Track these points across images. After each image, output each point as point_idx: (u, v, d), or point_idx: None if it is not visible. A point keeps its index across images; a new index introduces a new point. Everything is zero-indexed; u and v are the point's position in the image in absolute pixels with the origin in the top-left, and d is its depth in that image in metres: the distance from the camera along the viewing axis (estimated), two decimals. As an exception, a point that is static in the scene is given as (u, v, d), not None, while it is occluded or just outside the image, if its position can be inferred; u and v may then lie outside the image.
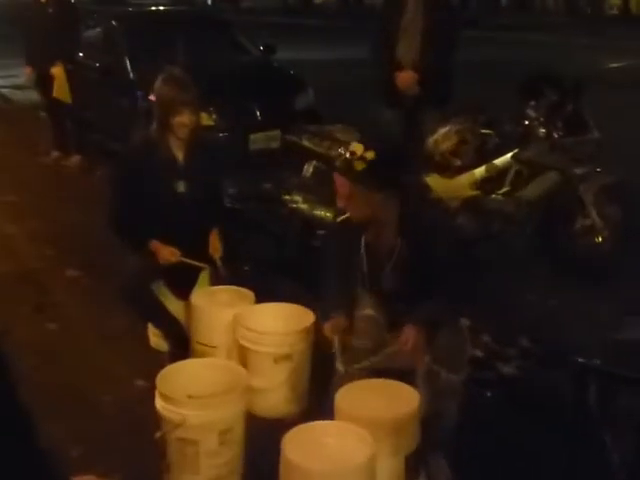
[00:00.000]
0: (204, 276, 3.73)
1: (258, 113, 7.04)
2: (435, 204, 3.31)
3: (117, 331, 4.05)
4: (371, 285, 3.06)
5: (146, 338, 3.80)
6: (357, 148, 2.74)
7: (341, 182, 2.80)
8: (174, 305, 3.67)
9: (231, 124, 6.76)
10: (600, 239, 4.73)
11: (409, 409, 2.61)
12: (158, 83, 3.61)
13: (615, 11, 27.18)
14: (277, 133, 6.85)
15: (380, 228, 2.94)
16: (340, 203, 2.87)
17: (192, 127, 3.60)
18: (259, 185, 5.54)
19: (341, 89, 8.63)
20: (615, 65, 13.87)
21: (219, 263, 3.69)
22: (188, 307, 3.59)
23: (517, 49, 14.16)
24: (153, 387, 2.84)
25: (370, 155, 2.73)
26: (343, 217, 2.94)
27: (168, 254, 3.56)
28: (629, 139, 7.21)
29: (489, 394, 3.50)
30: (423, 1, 5.23)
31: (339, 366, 2.92)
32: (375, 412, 2.57)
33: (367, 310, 3.03)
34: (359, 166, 2.72)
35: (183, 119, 3.56)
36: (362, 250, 3.00)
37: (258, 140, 6.95)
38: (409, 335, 2.79)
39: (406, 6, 5.27)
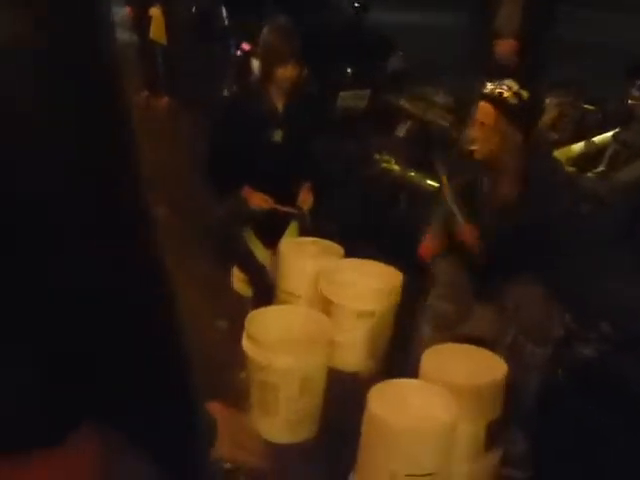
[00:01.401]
0: (293, 226, 3.75)
1: (349, 71, 6.98)
2: (561, 167, 3.24)
3: (201, 271, 4.11)
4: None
5: (230, 281, 3.85)
6: (513, 84, 2.76)
7: (487, 110, 2.80)
8: (261, 252, 3.69)
9: (322, 80, 6.73)
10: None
11: (495, 378, 2.59)
12: (265, 32, 3.60)
13: None
14: (366, 92, 6.79)
15: (499, 174, 2.91)
16: (475, 132, 2.86)
17: (294, 79, 3.58)
18: (347, 143, 5.51)
19: (435, 56, 8.49)
20: None
21: (307, 215, 3.70)
22: (275, 255, 3.62)
23: (616, 29, 13.67)
24: (233, 329, 2.88)
25: (525, 94, 2.75)
26: (472, 147, 2.90)
27: (260, 200, 3.58)
28: None
29: (561, 373, 3.46)
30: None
31: (424, 329, 2.91)
32: (460, 377, 2.56)
33: (455, 275, 3.00)
34: (513, 100, 2.73)
35: (288, 71, 3.54)
36: (477, 194, 2.96)
37: (347, 98, 6.89)
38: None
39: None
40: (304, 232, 3.73)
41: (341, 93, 6.87)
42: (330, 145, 5.46)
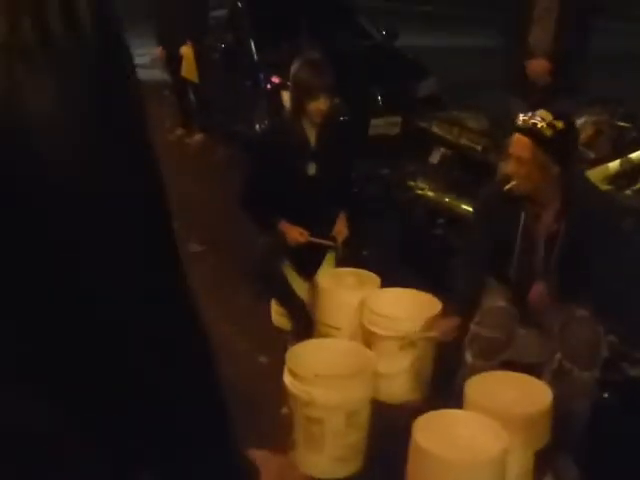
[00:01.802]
0: (330, 258, 3.76)
1: (379, 98, 7.00)
2: (601, 191, 3.19)
3: (240, 307, 4.13)
4: (519, 271, 2.98)
5: (269, 316, 3.86)
6: (546, 115, 2.72)
7: (523, 144, 2.74)
8: (299, 285, 3.70)
9: (352, 108, 6.76)
10: None
11: (541, 405, 2.55)
12: (296, 66, 3.62)
13: None
14: (398, 119, 6.81)
15: (541, 208, 2.87)
16: (511, 167, 2.81)
17: (326, 111, 3.60)
18: (381, 171, 5.51)
19: (465, 78, 8.48)
20: None
21: (341, 246, 3.71)
22: (313, 288, 3.62)
23: None
24: (274, 364, 2.88)
25: (560, 124, 2.70)
26: (510, 185, 2.85)
27: (297, 234, 3.60)
28: None
29: (609, 396, 3.38)
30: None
31: (468, 357, 2.88)
32: (507, 405, 2.53)
33: (499, 301, 2.97)
34: (548, 132, 2.69)
35: (319, 104, 3.56)
36: (520, 230, 2.91)
37: (379, 125, 6.91)
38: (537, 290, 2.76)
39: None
40: (340, 263, 3.74)
41: (373, 120, 6.89)
42: (364, 173, 5.48)
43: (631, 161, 4.45)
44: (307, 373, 2.77)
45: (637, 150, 4.45)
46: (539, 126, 2.71)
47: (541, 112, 2.76)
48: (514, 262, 2.94)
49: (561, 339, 2.81)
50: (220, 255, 4.85)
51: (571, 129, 2.83)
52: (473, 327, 2.90)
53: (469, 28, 15.43)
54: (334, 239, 3.72)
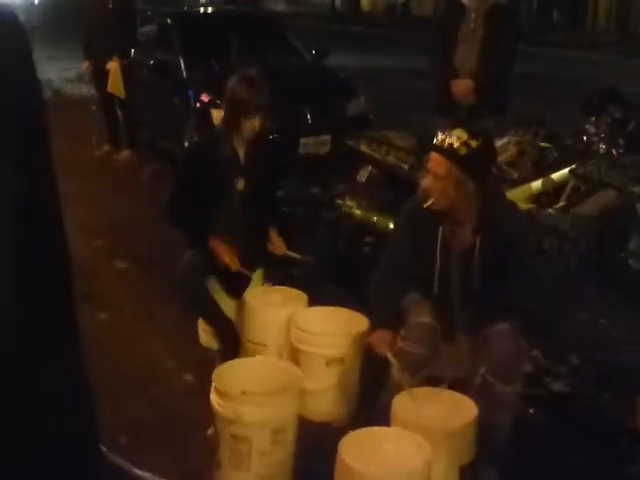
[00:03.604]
0: (258, 275, 3.75)
1: (309, 117, 7.05)
2: (518, 208, 3.28)
3: (167, 324, 4.09)
4: (440, 285, 3.03)
5: (196, 333, 3.82)
6: (462, 134, 2.81)
7: (439, 161, 2.84)
8: (226, 303, 3.68)
9: (282, 126, 6.79)
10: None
11: (466, 420, 2.60)
12: (233, 82, 3.62)
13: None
14: (327, 138, 6.86)
15: (458, 224, 2.94)
16: (428, 184, 2.88)
17: (259, 128, 3.61)
18: (309, 189, 5.55)
19: (394, 97, 8.62)
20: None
21: (296, 256, 3.71)
22: (241, 305, 3.60)
23: (571, 66, 14.04)
24: (201, 382, 2.86)
25: (474, 143, 2.79)
26: (427, 202, 2.92)
27: (228, 260, 3.55)
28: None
29: (533, 410, 3.46)
30: (484, 10, 5.20)
31: (394, 373, 2.91)
32: (432, 421, 2.56)
33: (423, 317, 3.01)
34: (462, 150, 2.77)
35: (254, 122, 3.56)
36: (438, 245, 2.97)
37: (308, 144, 6.95)
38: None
39: (465, 15, 5.24)
40: (305, 269, 3.73)
41: (302, 139, 6.92)
42: (293, 191, 5.51)
43: (552, 181, 4.60)
44: (233, 391, 2.75)
45: (558, 170, 4.60)
46: (454, 145, 2.81)
47: (457, 131, 2.85)
48: (435, 277, 3.00)
49: (483, 354, 2.86)
50: (147, 272, 4.80)
51: (487, 148, 2.92)
52: (399, 343, 2.93)
53: (398, 48, 15.72)
54: (268, 258, 3.72)
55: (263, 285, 3.74)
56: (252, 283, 3.72)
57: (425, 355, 2.90)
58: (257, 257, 3.70)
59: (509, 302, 2.90)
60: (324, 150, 6.87)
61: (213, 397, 2.75)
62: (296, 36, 8.65)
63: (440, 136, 2.89)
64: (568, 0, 26.39)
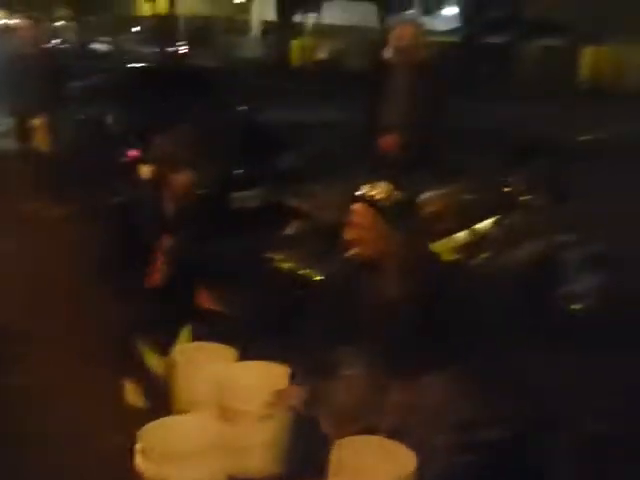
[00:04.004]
0: (186, 332, 3.70)
1: (239, 172, 7.07)
2: (440, 259, 3.33)
3: (94, 384, 3.97)
4: (369, 337, 3.02)
5: (124, 393, 3.73)
6: (386, 186, 2.85)
7: (362, 212, 2.87)
8: (154, 361, 3.62)
9: (212, 181, 6.78)
10: (581, 307, 4.77)
11: (405, 470, 2.58)
12: (162, 138, 3.62)
13: (585, 84, 27.85)
14: (257, 192, 6.89)
15: (384, 274, 2.96)
16: (352, 235, 2.91)
17: (189, 184, 3.61)
18: (239, 243, 5.52)
19: (323, 151, 8.73)
20: (587, 137, 14.11)
21: (225, 311, 3.68)
22: (169, 363, 3.54)
23: (496, 117, 14.47)
24: (130, 443, 2.78)
25: (398, 196, 2.84)
26: (351, 252, 2.94)
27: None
28: (610, 208, 7.27)
29: (470, 459, 3.46)
30: (410, 66, 5.32)
31: (325, 426, 2.88)
32: (368, 471, 2.54)
33: (353, 369, 3.00)
34: (386, 202, 2.82)
35: (183, 177, 3.56)
36: (365, 296, 2.98)
37: (238, 199, 6.96)
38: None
39: (393, 71, 5.36)
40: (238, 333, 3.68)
41: (233, 194, 6.92)
42: (223, 246, 5.46)
43: (478, 231, 4.69)
44: (161, 452, 2.68)
45: (483, 221, 4.71)
46: (378, 196, 2.85)
47: (382, 183, 2.90)
48: (364, 327, 3.00)
49: (417, 403, 2.87)
50: (73, 330, 4.67)
51: (411, 200, 2.98)
52: (328, 395, 2.91)
53: (327, 103, 15.95)
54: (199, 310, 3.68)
55: (191, 341, 3.69)
56: (180, 340, 3.67)
57: (357, 405, 2.89)
58: (185, 313, 3.66)
59: (440, 350, 2.91)
60: (254, 204, 6.89)
61: (139, 458, 2.68)
62: (226, 91, 8.71)
63: (364, 188, 2.93)
64: (496, 52, 27.39)
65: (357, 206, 2.90)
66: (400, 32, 5.41)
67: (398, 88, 5.36)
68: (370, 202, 2.86)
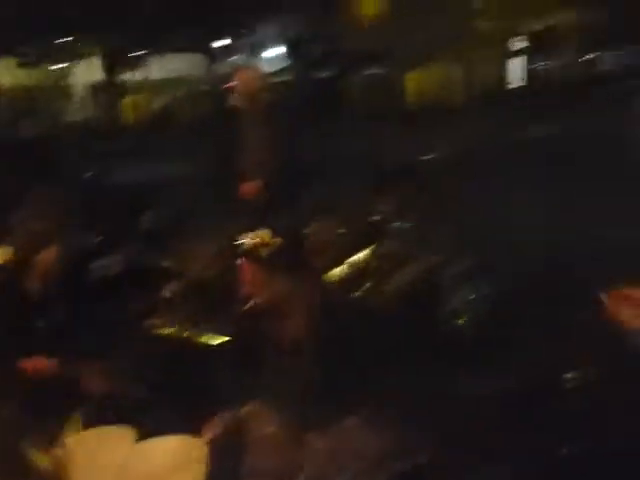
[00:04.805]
0: (74, 420, 3.43)
1: (98, 239, 6.78)
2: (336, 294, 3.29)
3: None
4: (280, 388, 2.90)
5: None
6: (264, 235, 2.79)
7: (246, 268, 2.79)
8: (43, 458, 3.32)
9: (71, 253, 6.47)
10: (463, 321, 4.85)
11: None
12: (22, 215, 3.40)
13: (414, 106, 29.18)
14: (120, 258, 6.63)
15: (284, 320, 2.88)
16: (247, 289, 2.84)
17: (54, 260, 3.40)
18: (110, 314, 5.25)
19: (183, 206, 8.55)
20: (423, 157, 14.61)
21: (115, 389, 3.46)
22: (60, 456, 3.26)
23: (359, 148, 14.80)
24: None
25: (278, 240, 2.78)
26: (249, 305, 2.85)
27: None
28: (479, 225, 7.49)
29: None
30: (257, 111, 5.31)
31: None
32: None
33: (268, 427, 2.87)
34: (264, 252, 2.76)
35: (47, 256, 3.35)
36: (270, 344, 2.88)
37: (100, 267, 6.66)
38: None
39: (242, 118, 5.32)
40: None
41: (95, 262, 6.63)
42: (94, 317, 5.17)
43: (357, 263, 4.68)
44: None
45: (360, 252, 4.70)
46: (259, 247, 2.80)
47: (260, 232, 2.85)
48: (275, 382, 2.90)
49: (338, 449, 2.78)
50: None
51: (292, 241, 2.93)
52: (247, 456, 2.77)
53: (179, 158, 15.70)
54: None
55: (81, 429, 3.43)
56: (69, 429, 3.40)
57: (274, 465, 2.76)
58: (72, 399, 3.41)
59: (351, 390, 2.85)
60: (117, 270, 6.63)
61: None
62: (68, 159, 8.41)
63: (243, 240, 2.87)
64: (326, 86, 28.33)
65: (243, 263, 2.83)
66: (243, 78, 5.39)
67: (249, 133, 5.32)
68: (253, 255, 2.80)
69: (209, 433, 2.86)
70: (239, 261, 2.87)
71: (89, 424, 3.43)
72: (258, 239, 2.82)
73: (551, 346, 4.50)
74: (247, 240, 2.84)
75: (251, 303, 2.85)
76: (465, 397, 4.14)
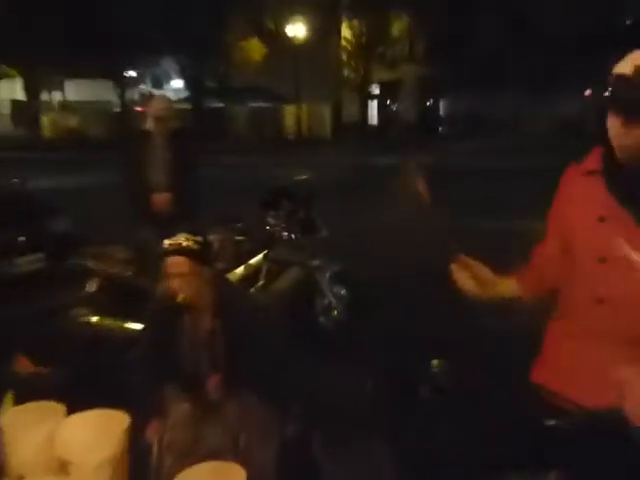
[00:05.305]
0: (8, 398, 3.23)
1: (18, 239, 6.46)
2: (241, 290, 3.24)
3: None
4: (193, 373, 2.86)
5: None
6: (185, 235, 2.73)
7: (178, 262, 2.71)
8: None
9: None
10: (335, 313, 4.95)
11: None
12: None
13: (291, 135, 29.41)
14: (40, 256, 6.36)
15: (199, 312, 2.82)
16: (176, 284, 2.74)
17: None
18: (39, 304, 5.00)
19: (99, 214, 8.25)
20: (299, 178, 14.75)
21: (45, 370, 3.26)
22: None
23: (250, 169, 14.69)
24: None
25: (199, 238, 2.78)
26: (180, 298, 2.76)
27: None
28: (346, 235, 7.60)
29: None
30: (165, 134, 5.18)
31: (167, 460, 2.66)
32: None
33: (183, 404, 2.82)
34: (195, 246, 2.70)
35: None
36: (186, 335, 2.83)
37: (22, 264, 6.36)
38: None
39: (151, 139, 5.19)
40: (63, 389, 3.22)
41: (14, 260, 6.30)
42: (19, 310, 4.90)
43: (251, 266, 4.69)
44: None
45: (254, 257, 4.71)
46: (186, 244, 2.73)
47: (180, 235, 2.79)
48: (187, 366, 2.85)
49: (239, 423, 2.77)
50: None
51: (206, 242, 2.91)
52: (165, 433, 2.70)
53: (97, 169, 15.05)
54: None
55: (13, 406, 3.23)
56: (2, 408, 3.20)
57: (191, 437, 2.71)
58: (5, 380, 3.21)
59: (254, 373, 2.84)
60: (38, 267, 6.34)
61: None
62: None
63: (167, 242, 2.79)
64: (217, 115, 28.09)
65: (173, 259, 2.74)
66: (157, 105, 5.25)
67: (159, 152, 5.19)
68: (183, 251, 2.72)
69: (152, 435, 2.76)
70: (168, 259, 2.76)
71: (22, 401, 3.24)
72: (182, 239, 2.74)
73: (411, 331, 4.66)
74: (171, 241, 2.76)
75: (182, 296, 2.77)
76: (339, 376, 4.23)
